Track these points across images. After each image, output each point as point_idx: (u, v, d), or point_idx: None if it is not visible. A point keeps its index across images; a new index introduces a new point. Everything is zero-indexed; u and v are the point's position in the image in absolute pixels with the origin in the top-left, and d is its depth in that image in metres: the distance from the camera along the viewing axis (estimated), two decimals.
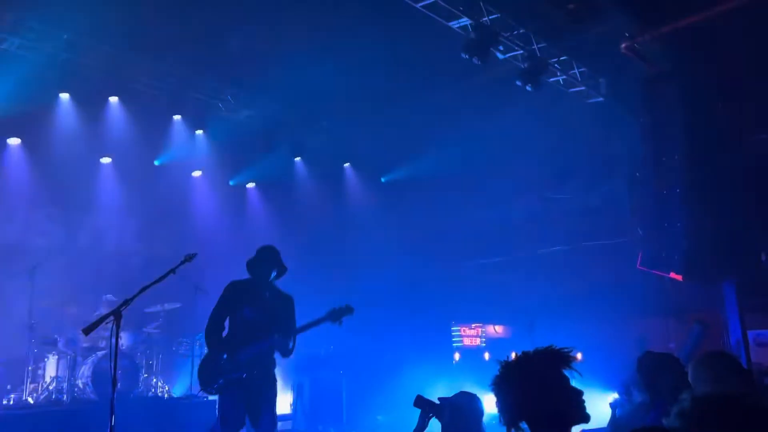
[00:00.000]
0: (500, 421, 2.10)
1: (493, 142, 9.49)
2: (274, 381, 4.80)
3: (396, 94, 8.75)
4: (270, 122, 9.64)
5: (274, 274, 4.89)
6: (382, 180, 11.57)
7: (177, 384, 8.94)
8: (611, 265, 8.99)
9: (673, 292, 8.29)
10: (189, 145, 9.90)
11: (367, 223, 10.65)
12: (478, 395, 3.52)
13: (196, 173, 10.76)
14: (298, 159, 11.00)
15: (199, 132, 9.89)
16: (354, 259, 9.85)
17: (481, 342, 10.74)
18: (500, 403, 2.10)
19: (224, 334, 4.84)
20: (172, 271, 4.20)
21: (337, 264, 9.59)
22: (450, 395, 3.48)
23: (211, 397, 8.09)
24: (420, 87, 8.55)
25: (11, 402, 7.29)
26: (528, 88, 8.09)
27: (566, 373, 2.09)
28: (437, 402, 3.41)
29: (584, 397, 2.10)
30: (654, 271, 7.79)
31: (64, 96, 8.46)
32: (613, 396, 5.05)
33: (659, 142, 7.99)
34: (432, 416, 3.47)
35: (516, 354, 2.16)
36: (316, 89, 8.74)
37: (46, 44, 7.52)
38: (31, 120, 8.44)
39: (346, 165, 11.30)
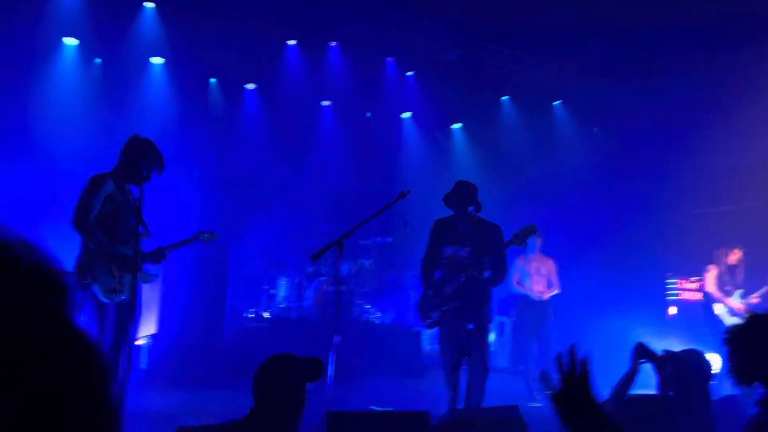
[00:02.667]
0: (731, 377, 1.96)
1: (728, 78, 8.33)
2: (485, 311, 4.85)
3: (621, 22, 7.96)
4: (478, 61, 9.50)
5: (471, 208, 4.90)
6: (594, 131, 10.86)
7: (387, 312, 9.61)
8: None
9: None
10: (400, 87, 10.21)
11: (576, 166, 10.15)
12: (705, 355, 3.30)
13: (406, 115, 11.13)
14: (505, 98, 10.80)
15: (410, 73, 10.13)
16: (562, 204, 9.51)
17: (702, 297, 9.83)
18: (733, 360, 1.95)
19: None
20: (388, 206, 4.44)
21: (543, 209, 9.35)
22: (676, 351, 3.29)
23: (417, 327, 8.62)
24: (645, 17, 7.72)
25: (251, 316, 8.47)
26: None
27: None
28: (660, 354, 3.25)
29: None
30: None
31: (291, 42, 9.18)
32: None
33: None
34: (644, 363, 3.33)
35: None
36: (528, 24, 8.38)
37: None
38: (263, 66, 9.34)
39: (556, 103, 10.78)
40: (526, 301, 7.36)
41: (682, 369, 3.21)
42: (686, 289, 9.82)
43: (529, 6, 7.87)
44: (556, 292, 7.51)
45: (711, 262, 7.80)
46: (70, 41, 8.45)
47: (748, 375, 1.90)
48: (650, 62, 8.71)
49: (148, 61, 8.99)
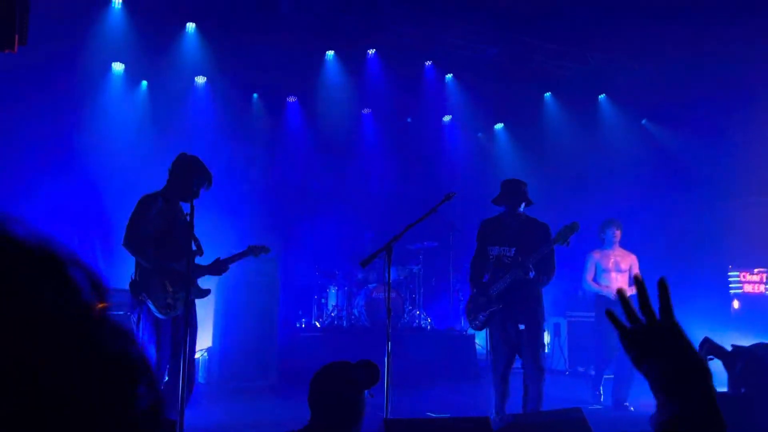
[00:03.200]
0: None
1: None
2: (535, 312, 4.75)
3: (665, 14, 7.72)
4: (518, 59, 9.37)
5: (522, 206, 4.83)
6: (643, 122, 10.55)
7: (437, 317, 9.54)
8: None
9: None
10: (440, 90, 10.17)
11: (626, 159, 9.88)
12: None
13: (447, 117, 11.07)
14: (547, 94, 10.61)
15: (449, 76, 10.07)
16: (614, 200, 9.25)
17: (766, 289, 9.43)
18: None
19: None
20: (434, 209, 4.39)
21: (594, 205, 9.13)
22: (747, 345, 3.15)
23: (470, 331, 8.53)
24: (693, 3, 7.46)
25: (303, 325, 8.53)
26: None
27: None
28: (728, 349, 3.10)
29: None
30: None
31: (330, 53, 9.26)
32: None
33: None
34: (712, 359, 3.19)
35: None
36: (568, 17, 8.22)
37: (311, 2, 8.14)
38: (304, 78, 9.44)
39: (601, 97, 10.53)
40: (605, 301, 6.23)
41: (755, 364, 3.07)
42: (749, 282, 9.44)
43: None
44: None
45: None
46: (118, 66, 8.72)
47: None
48: (701, 46, 8.38)
49: (193, 80, 9.20)
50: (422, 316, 8.69)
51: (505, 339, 4.72)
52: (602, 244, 6.70)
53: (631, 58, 8.90)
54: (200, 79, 9.25)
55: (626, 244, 8.18)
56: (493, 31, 8.69)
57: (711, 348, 3.17)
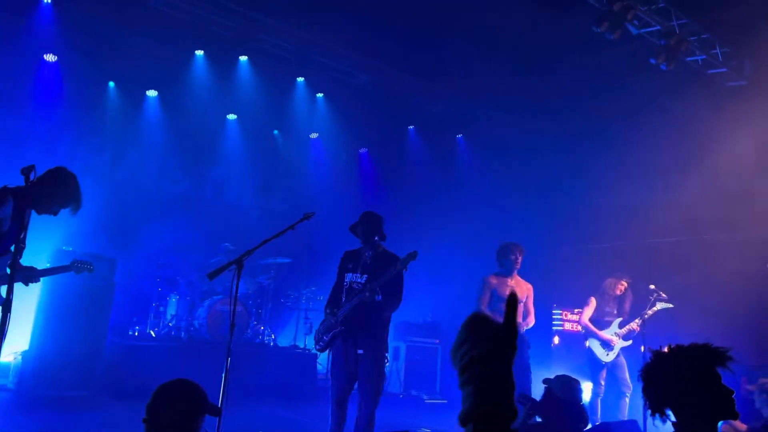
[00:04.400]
0: (645, 405, 2.17)
1: (616, 122, 9.01)
2: (376, 337, 4.82)
3: (520, 69, 8.48)
4: (387, 89, 9.68)
5: (376, 238, 4.96)
6: (494, 163, 11.35)
7: (282, 334, 9.41)
8: (737, 261, 8.32)
9: None
10: (309, 108, 10.18)
11: (474, 198, 10.54)
12: (577, 380, 3.54)
13: (314, 135, 11.10)
14: (411, 127, 11.05)
15: (320, 95, 10.13)
16: (459, 233, 9.80)
17: (582, 328, 10.43)
18: (647, 390, 2.16)
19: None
20: (292, 227, 4.33)
21: (441, 236, 9.60)
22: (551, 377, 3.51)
23: (314, 351, 8.51)
24: (544, 61, 8.25)
25: (136, 334, 7.99)
26: (663, 67, 7.59)
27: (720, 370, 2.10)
28: (545, 385, 3.44)
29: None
30: None
31: (200, 53, 8.91)
32: None
33: None
34: (533, 414, 3.50)
35: (670, 346, 2.18)
36: (437, 59, 8.67)
37: (186, 2, 7.85)
38: (168, 74, 8.99)
39: (459, 136, 11.18)
40: None
41: (552, 395, 3.44)
42: (569, 320, 10.35)
43: (439, 41, 8.17)
44: (532, 323, 6.18)
45: (593, 294, 7.91)
46: None
47: (659, 404, 2.12)
48: (548, 104, 9.27)
49: (41, 57, 8.41)
50: (267, 332, 8.53)
51: (344, 365, 4.76)
52: (500, 268, 6.18)
53: (487, 104, 9.57)
54: (50, 57, 8.47)
55: (467, 277, 8.49)
56: (364, 59, 8.91)
57: (525, 400, 3.50)
